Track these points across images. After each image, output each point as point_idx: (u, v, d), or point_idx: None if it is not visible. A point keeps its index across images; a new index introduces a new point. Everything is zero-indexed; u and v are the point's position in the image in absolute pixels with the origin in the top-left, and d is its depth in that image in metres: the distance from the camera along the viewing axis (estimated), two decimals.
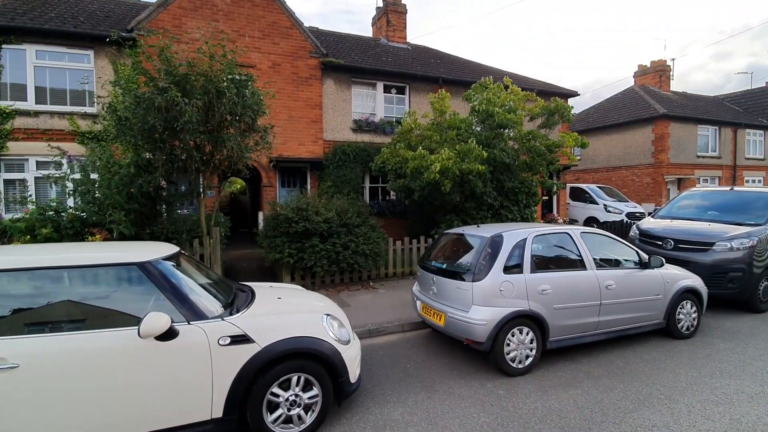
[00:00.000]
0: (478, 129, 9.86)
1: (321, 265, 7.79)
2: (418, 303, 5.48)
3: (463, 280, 4.65)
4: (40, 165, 10.13)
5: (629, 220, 16.52)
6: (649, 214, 18.83)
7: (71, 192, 6.39)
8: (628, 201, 18.08)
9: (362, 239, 8.24)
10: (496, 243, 4.71)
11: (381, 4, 18.24)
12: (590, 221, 17.06)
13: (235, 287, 4.11)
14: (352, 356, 3.64)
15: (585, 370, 4.68)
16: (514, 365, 4.51)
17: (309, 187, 12.59)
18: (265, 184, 12.21)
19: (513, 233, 4.83)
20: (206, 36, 7.01)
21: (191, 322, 3.07)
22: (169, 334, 2.91)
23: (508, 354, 4.49)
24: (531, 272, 4.66)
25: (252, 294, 3.96)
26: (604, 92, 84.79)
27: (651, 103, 21.50)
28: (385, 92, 14.04)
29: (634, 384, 4.35)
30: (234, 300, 3.69)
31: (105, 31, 10.09)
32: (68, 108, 10.45)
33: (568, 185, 18.65)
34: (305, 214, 7.79)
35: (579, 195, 18.22)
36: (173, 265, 3.50)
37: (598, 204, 17.26)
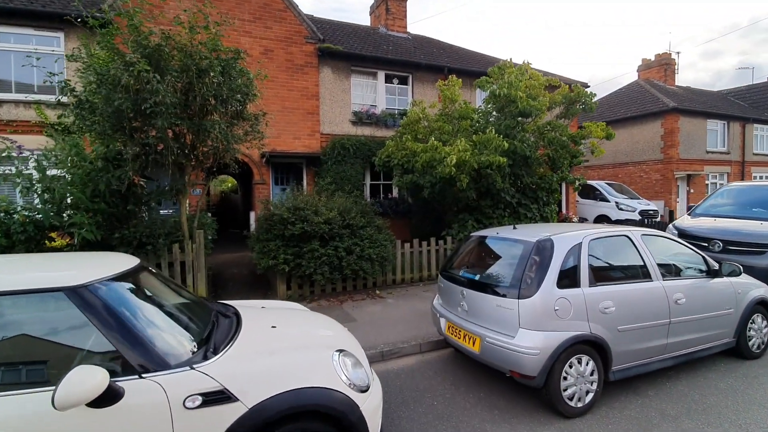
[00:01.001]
0: (492, 119, 8.92)
1: (322, 273, 6.81)
2: (442, 321, 4.52)
3: (505, 296, 3.70)
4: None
5: (643, 218, 15.79)
6: (671, 212, 18.08)
7: (23, 190, 5.34)
8: (639, 198, 17.27)
9: (368, 242, 7.27)
10: (544, 249, 3.77)
11: None
12: (601, 219, 16.23)
13: (215, 312, 3.11)
14: (373, 407, 2.67)
15: (657, 407, 3.76)
16: (572, 404, 3.58)
17: (305, 185, 11.58)
18: (257, 182, 11.19)
19: (564, 237, 3.89)
20: (188, 15, 5.99)
21: (145, 375, 2.10)
22: (108, 397, 1.93)
23: (565, 390, 3.56)
24: (590, 286, 3.72)
25: (237, 321, 2.98)
26: (609, 87, 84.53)
27: (659, 97, 20.73)
28: (386, 82, 13.06)
29: (723, 425, 3.44)
30: (211, 333, 2.70)
31: (76, 10, 9.01)
32: (35, 96, 9.35)
33: None
34: (303, 214, 6.80)
35: (588, 192, 17.36)
36: (128, 288, 2.52)
37: (609, 201, 16.42)
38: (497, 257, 4.30)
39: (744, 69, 35.28)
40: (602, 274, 3.93)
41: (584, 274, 3.74)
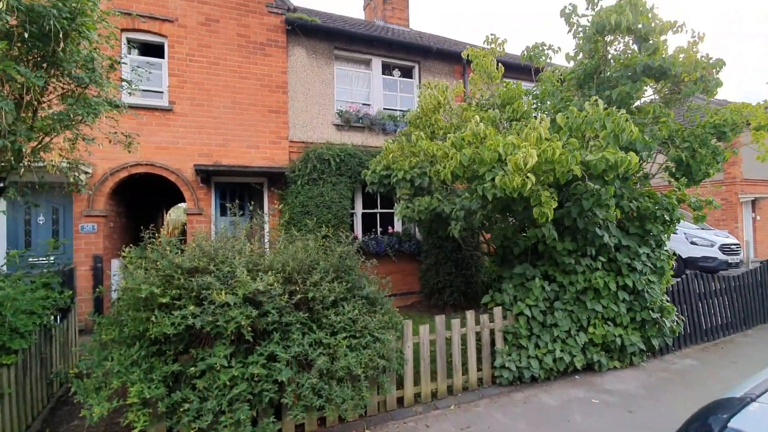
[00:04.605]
0: (576, 97, 5.22)
1: (229, 424, 2.89)
2: None
3: None
4: None
5: (727, 257, 11.93)
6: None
7: None
8: (711, 228, 13.48)
9: (347, 336, 3.42)
10: None
11: None
12: None
13: None
14: None
15: None
16: None
17: (266, 214, 7.79)
18: (191, 210, 7.41)
19: None
20: None
21: None
22: None
23: None
24: None
25: None
26: None
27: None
28: (384, 74, 9.53)
29: None
30: None
31: None
32: None
33: None
34: (201, 282, 2.97)
35: None
36: None
37: (676, 233, 12.56)
38: None
39: None
40: None
41: None
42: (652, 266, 5.24)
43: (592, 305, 4.80)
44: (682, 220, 11.70)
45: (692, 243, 12.18)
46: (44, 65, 3.09)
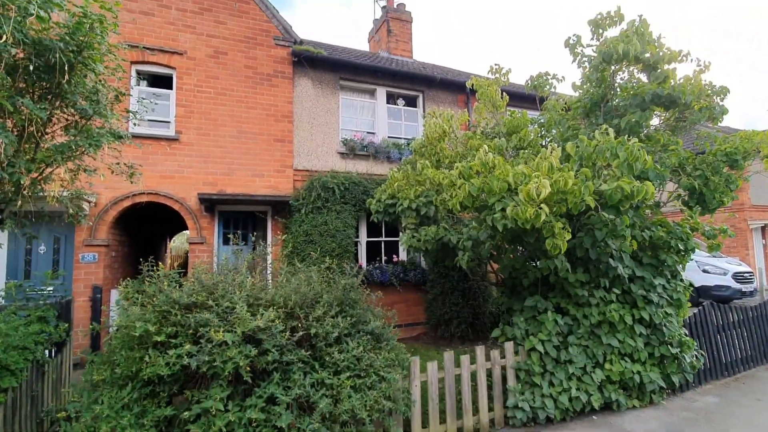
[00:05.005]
0: (583, 126, 5.17)
1: None
2: None
3: None
4: None
5: (741, 285, 11.61)
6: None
7: None
8: (722, 255, 13.19)
9: (352, 374, 3.23)
10: None
11: (378, 16, 14.56)
12: None
13: None
14: None
15: None
16: None
17: (269, 243, 7.69)
18: (193, 239, 7.32)
19: None
20: None
21: None
22: None
23: None
24: None
25: None
26: None
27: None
28: (388, 103, 9.62)
29: None
30: None
31: None
32: None
33: None
34: (197, 319, 2.84)
35: None
36: None
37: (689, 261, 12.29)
38: None
39: None
40: None
41: None
42: (668, 298, 5.03)
43: (607, 340, 4.58)
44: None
45: (704, 271, 11.88)
46: (49, 97, 3.08)
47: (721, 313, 6.21)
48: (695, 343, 5.18)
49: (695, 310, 5.98)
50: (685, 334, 5.16)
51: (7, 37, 2.42)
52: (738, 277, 11.64)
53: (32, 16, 2.59)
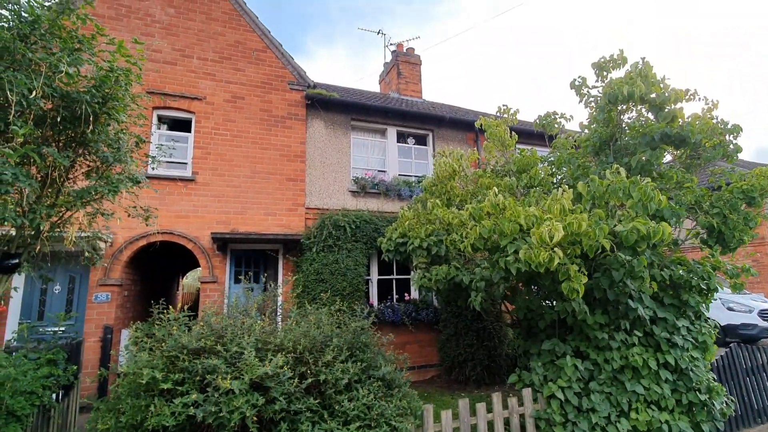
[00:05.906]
0: (592, 165, 5.17)
1: None
2: None
3: None
4: None
5: (767, 323, 11.06)
6: None
7: None
8: (747, 292, 12.68)
9: (362, 424, 3.10)
10: None
11: (389, 59, 15.20)
12: None
13: None
14: None
15: None
16: None
17: (280, 282, 7.67)
18: (205, 279, 7.35)
19: None
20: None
21: None
22: None
23: None
24: None
25: None
26: None
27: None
28: (399, 142, 9.82)
29: None
30: None
31: None
32: None
33: None
34: (204, 366, 2.79)
35: None
36: None
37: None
38: None
39: None
40: None
41: None
42: (693, 340, 4.80)
43: (632, 386, 4.35)
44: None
45: (729, 309, 11.39)
46: (73, 145, 3.22)
47: (749, 353, 5.90)
48: (724, 389, 4.88)
49: (722, 352, 5.69)
50: (714, 379, 4.88)
51: (36, 93, 2.58)
52: (764, 314, 11.12)
53: (62, 74, 2.75)
